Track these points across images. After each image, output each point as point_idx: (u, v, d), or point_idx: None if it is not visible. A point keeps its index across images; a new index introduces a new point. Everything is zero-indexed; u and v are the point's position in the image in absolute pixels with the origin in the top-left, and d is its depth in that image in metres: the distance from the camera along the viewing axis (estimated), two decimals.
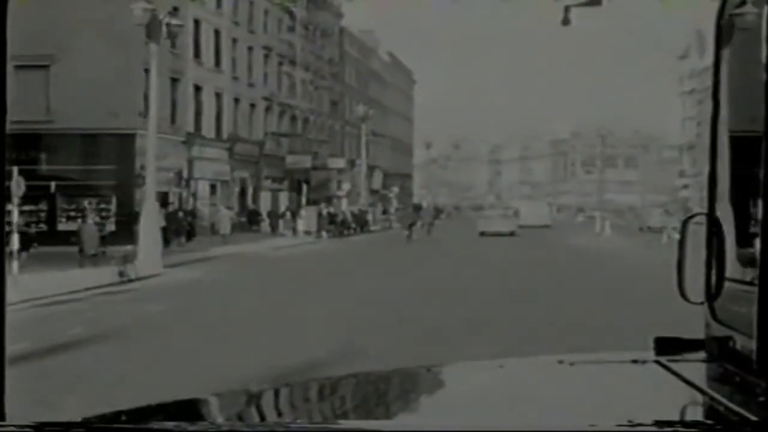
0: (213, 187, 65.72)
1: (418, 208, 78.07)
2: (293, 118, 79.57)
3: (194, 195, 61.87)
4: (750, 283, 3.32)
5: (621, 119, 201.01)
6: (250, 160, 71.60)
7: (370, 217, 75.10)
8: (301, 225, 62.40)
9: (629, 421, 2.71)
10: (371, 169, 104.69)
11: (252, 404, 3.83)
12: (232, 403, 3.88)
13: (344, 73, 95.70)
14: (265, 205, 72.47)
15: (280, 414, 3.77)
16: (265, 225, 68.82)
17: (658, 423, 2.71)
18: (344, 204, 74.78)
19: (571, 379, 3.77)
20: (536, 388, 3.75)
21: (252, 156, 71.69)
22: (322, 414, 3.88)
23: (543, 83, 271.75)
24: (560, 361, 3.88)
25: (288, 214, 64.38)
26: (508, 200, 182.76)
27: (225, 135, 66.92)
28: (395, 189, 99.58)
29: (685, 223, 3.85)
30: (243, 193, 70.99)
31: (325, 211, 64.10)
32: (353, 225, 69.84)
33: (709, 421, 3.05)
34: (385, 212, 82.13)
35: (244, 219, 67.03)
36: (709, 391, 3.39)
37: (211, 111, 65.08)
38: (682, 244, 3.82)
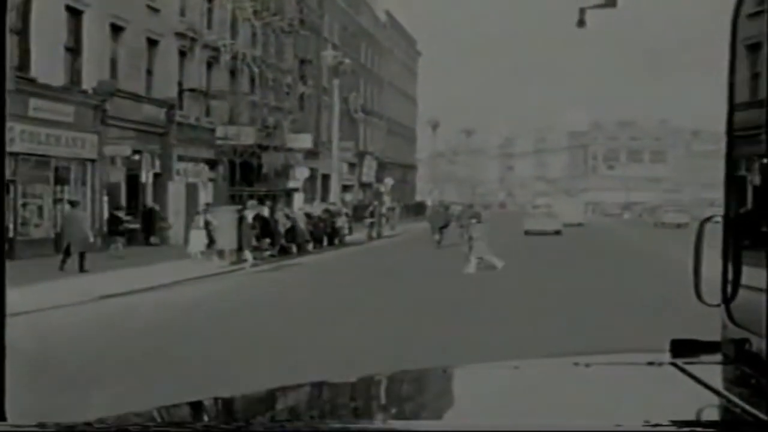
0: (60, 170, 35.34)
1: (446, 207, 59.47)
2: (233, 73, 48.96)
3: (13, 182, 31.60)
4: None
5: (645, 109, 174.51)
6: (149, 130, 41.19)
7: (343, 222, 44.35)
8: (197, 241, 31.93)
9: (645, 423, 2.64)
10: (361, 155, 74.18)
11: (261, 405, 3.66)
12: (241, 404, 3.69)
13: (323, 25, 64.97)
14: (176, 202, 41.99)
15: (291, 415, 3.54)
16: (177, 235, 38.89)
17: (674, 424, 2.65)
18: (298, 202, 44.14)
19: (586, 380, 3.61)
20: (551, 389, 3.55)
21: (152, 123, 41.24)
22: (338, 414, 3.56)
23: (560, 73, 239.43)
24: (575, 363, 3.74)
25: (200, 219, 33.68)
26: (522, 197, 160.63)
27: (88, 84, 36.48)
28: (388, 181, 68.93)
29: (701, 226, 3.73)
30: (132, 182, 40.60)
31: (250, 217, 33.35)
32: (307, 237, 39.16)
33: (725, 424, 2.95)
34: (372, 214, 51.52)
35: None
36: (725, 393, 3.23)
37: (58, 39, 34.63)
38: (698, 246, 3.67)
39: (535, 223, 60.85)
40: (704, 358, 3.65)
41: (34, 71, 32.86)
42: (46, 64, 33.50)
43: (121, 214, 36.64)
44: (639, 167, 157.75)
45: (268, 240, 35.01)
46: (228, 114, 48.25)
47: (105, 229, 37.04)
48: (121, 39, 39.10)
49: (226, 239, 32.62)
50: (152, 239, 39.99)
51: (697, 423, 2.85)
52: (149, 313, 20.43)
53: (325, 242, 42.76)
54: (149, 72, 41.64)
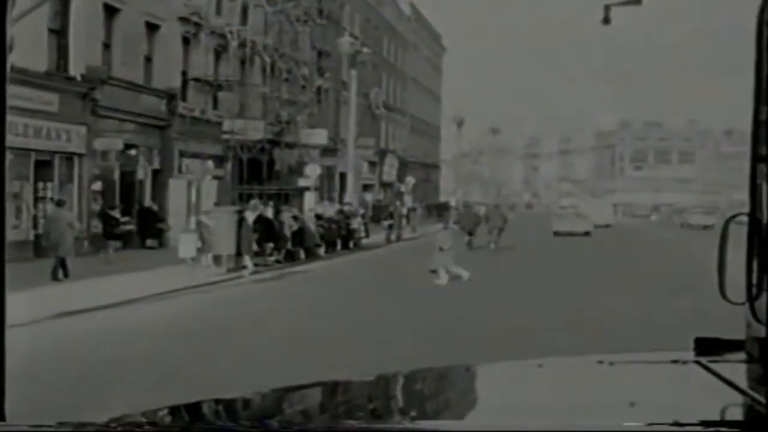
0: (42, 165, 31.47)
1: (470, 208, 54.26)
2: (244, 63, 44.96)
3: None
4: None
5: (674, 109, 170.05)
6: (148, 123, 37.30)
7: (358, 223, 40.27)
8: (187, 245, 27.81)
9: (669, 421, 2.62)
10: (382, 154, 70.05)
11: (277, 405, 3.57)
12: (258, 404, 3.58)
13: (342, 15, 60.86)
14: (177, 201, 38.09)
15: (309, 415, 3.52)
16: (176, 237, 34.83)
17: (699, 423, 2.62)
18: (309, 202, 40.02)
19: (610, 379, 3.55)
20: (575, 388, 3.54)
21: (151, 115, 37.33)
22: (359, 414, 3.53)
23: (587, 72, 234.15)
24: (599, 361, 3.65)
25: (192, 221, 29.66)
26: (547, 198, 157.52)
27: (76, 70, 32.58)
28: (409, 181, 64.71)
29: (726, 224, 3.59)
30: (127, 179, 36.68)
31: (250, 218, 29.30)
32: (318, 241, 35.10)
33: (749, 422, 2.92)
34: (391, 215, 47.47)
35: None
36: (750, 391, 3.13)
37: (40, 19, 30.68)
38: (722, 245, 3.53)
39: (564, 224, 58.90)
40: (728, 356, 3.53)
41: (11, 54, 28.87)
42: (26, 46, 29.51)
43: (116, 214, 32.80)
44: (667, 168, 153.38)
45: (271, 244, 31.02)
46: (237, 107, 44.26)
47: (95, 230, 33.20)
48: (116, 22, 35.17)
49: (224, 243, 28.65)
50: (149, 242, 36.07)
51: (721, 422, 2.78)
52: (98, 340, 16.44)
53: (339, 246, 38.75)
54: (148, 59, 37.69)
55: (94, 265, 28.60)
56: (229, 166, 43.49)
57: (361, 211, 43.16)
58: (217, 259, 28.80)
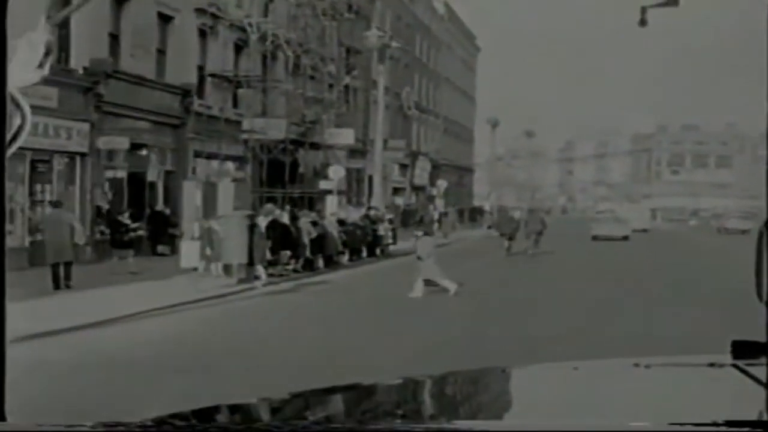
0: (39, 165, 28.63)
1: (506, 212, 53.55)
2: (266, 58, 41.99)
3: None
4: None
5: (711, 112, 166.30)
6: (160, 121, 34.47)
7: (385, 229, 37.17)
8: (190, 254, 24.73)
9: (707, 424, 2.61)
10: (414, 156, 67.01)
11: (303, 408, 3.54)
12: (290, 406, 3.56)
13: (373, 11, 57.85)
14: (192, 205, 35.10)
15: (339, 417, 3.47)
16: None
17: (736, 426, 2.61)
18: (331, 206, 36.94)
19: (647, 381, 3.50)
20: (610, 390, 3.51)
21: (163, 113, 34.50)
22: (399, 415, 3.44)
23: (623, 74, 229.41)
24: (635, 364, 3.61)
25: (196, 227, 26.64)
26: (582, 202, 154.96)
27: (78, 63, 29.77)
28: (441, 184, 61.48)
29: (763, 228, 3.38)
30: (137, 181, 33.85)
31: (263, 224, 26.27)
32: (340, 248, 32.07)
33: None
34: (421, 220, 44.37)
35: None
36: None
37: (36, 6, 27.83)
38: (760, 248, 3.35)
39: (602, 228, 58.40)
40: (765, 359, 3.42)
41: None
42: (20, 35, 26.70)
43: (126, 219, 29.94)
44: (704, 172, 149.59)
45: (288, 252, 28.03)
46: (259, 105, 41.35)
47: (100, 237, 30.40)
48: (125, 11, 32.32)
49: (234, 251, 25.69)
50: (160, 248, 33.19)
51: (758, 424, 2.73)
52: (55, 371, 13.47)
53: (365, 253, 35.73)
54: (161, 52, 34.81)
55: (96, 275, 25.76)
56: (249, 167, 40.56)
57: (389, 215, 40.04)
58: (227, 269, 25.87)
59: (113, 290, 23.00)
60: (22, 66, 2.68)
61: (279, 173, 41.43)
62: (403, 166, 66.67)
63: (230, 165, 39.96)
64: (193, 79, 36.48)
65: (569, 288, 26.83)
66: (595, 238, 55.89)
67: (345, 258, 33.45)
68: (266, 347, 15.98)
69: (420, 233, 26.12)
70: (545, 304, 23.08)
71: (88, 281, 23.87)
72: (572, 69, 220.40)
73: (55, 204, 26.94)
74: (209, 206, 34.37)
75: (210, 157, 37.75)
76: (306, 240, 29.00)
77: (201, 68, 37.58)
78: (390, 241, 38.07)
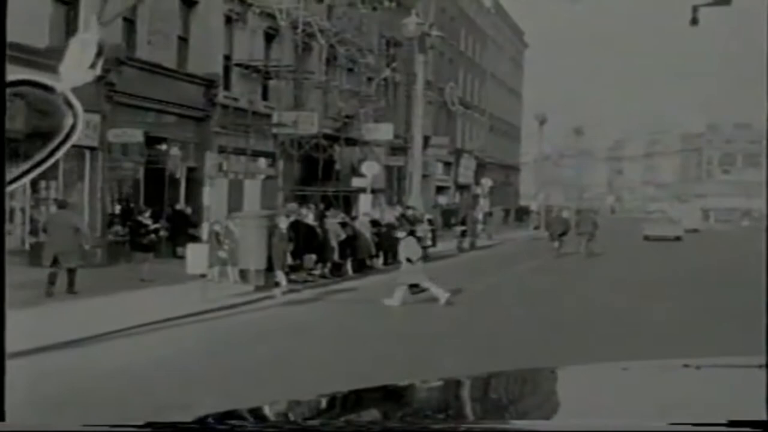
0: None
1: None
2: (299, 48, 39.09)
3: None
4: None
5: (764, 110, 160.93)
6: (181, 113, 31.73)
7: (424, 230, 34.07)
8: (194, 259, 21.65)
9: (711, 424, 2.61)
10: (458, 153, 63.92)
11: (355, 406, 3.51)
12: (340, 404, 3.48)
13: (415, 2, 54.75)
14: (217, 204, 32.29)
15: (389, 416, 3.37)
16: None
17: (737, 424, 2.57)
18: (365, 205, 33.85)
19: (697, 382, 3.46)
20: (661, 390, 3.34)
21: (185, 105, 31.74)
22: (446, 414, 3.44)
23: (674, 72, 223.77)
24: (685, 365, 3.55)
25: (205, 227, 23.77)
26: (630, 202, 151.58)
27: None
28: (485, 182, 58.22)
29: None
30: (154, 178, 31.09)
31: (283, 225, 23.22)
32: (373, 251, 29.04)
33: None
34: (463, 220, 41.37)
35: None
36: None
37: None
38: None
39: (654, 228, 57.22)
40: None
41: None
42: (23, 17, 24.02)
43: (146, 220, 27.24)
44: (756, 172, 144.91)
45: (313, 256, 25.10)
46: (291, 98, 38.48)
47: (114, 237, 27.76)
48: None
49: (251, 255, 22.83)
50: (180, 250, 30.35)
51: (759, 424, 2.64)
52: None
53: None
54: (183, 39, 32.03)
55: (105, 280, 23.03)
56: (280, 164, 37.71)
57: (429, 215, 36.99)
58: (243, 275, 23.00)
59: (111, 299, 20.27)
60: (74, 66, 2.47)
61: (312, 170, 38.54)
62: (447, 164, 63.61)
63: (262, 161, 37.20)
64: (218, 68, 33.68)
65: (629, 298, 23.62)
66: (646, 238, 54.49)
67: (379, 261, 30.53)
68: (267, 376, 13.01)
69: (403, 234, 23.04)
70: (604, 321, 19.91)
71: (93, 288, 21.17)
72: (622, 67, 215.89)
73: (61, 203, 24.36)
74: (235, 205, 31.68)
75: (237, 152, 34.91)
76: (334, 242, 26.05)
77: (227, 57, 34.74)
78: (429, 243, 35.01)
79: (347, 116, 42.26)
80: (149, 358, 14.61)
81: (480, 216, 46.98)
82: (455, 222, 43.57)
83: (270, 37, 37.16)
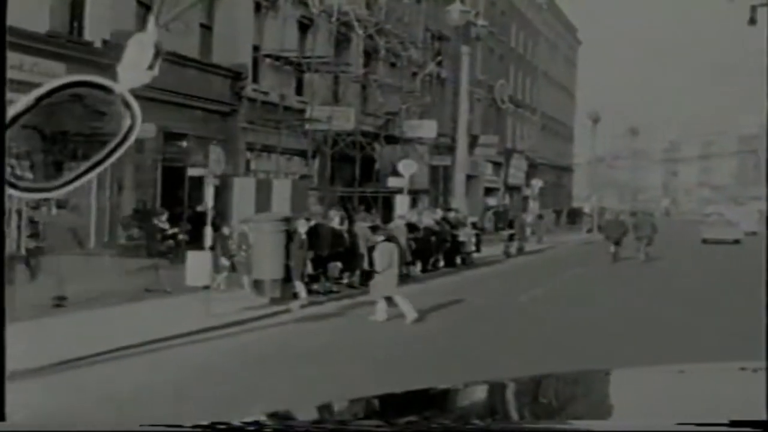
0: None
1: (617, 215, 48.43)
2: (338, 40, 36.30)
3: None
4: None
5: None
6: (204, 107, 29.03)
7: (467, 234, 31.08)
8: (194, 269, 18.73)
9: (713, 424, 2.63)
10: (508, 153, 60.91)
11: (406, 407, 3.54)
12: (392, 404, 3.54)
13: None
14: (244, 205, 29.57)
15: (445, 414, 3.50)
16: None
17: (739, 424, 2.63)
18: (402, 207, 30.76)
19: (754, 385, 3.27)
20: (716, 393, 3.42)
21: (209, 98, 29.04)
22: (501, 415, 3.55)
23: (731, 73, 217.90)
24: (742, 368, 3.61)
25: (209, 233, 20.78)
26: (686, 204, 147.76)
27: (95, 35, 24.43)
28: (535, 183, 54.99)
29: None
30: (173, 177, 28.40)
31: (303, 229, 20.31)
32: (409, 258, 26.01)
33: None
34: (510, 224, 38.30)
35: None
36: None
37: None
38: None
39: (713, 231, 55.21)
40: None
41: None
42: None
43: (164, 223, 24.69)
44: None
45: (338, 264, 22.25)
46: (329, 92, 35.71)
47: (126, 242, 25.17)
48: None
49: (266, 264, 20.00)
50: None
51: (760, 424, 2.74)
52: None
53: (442, 263, 29.88)
54: (206, 27, 29.36)
55: (107, 288, 20.36)
56: (316, 163, 34.94)
57: (473, 218, 34.00)
58: (258, 286, 20.20)
59: (106, 312, 17.62)
60: (132, 67, 2.86)
61: (350, 170, 35.73)
62: (497, 165, 60.53)
63: (295, 160, 34.47)
64: (246, 59, 30.97)
65: (701, 313, 20.49)
66: (704, 241, 52.81)
67: (417, 269, 27.64)
68: None
69: (380, 238, 20.03)
70: (679, 347, 16.80)
71: (90, 300, 18.54)
72: (677, 67, 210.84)
73: (60, 203, 21.84)
74: (262, 207, 29.06)
75: (266, 150, 32.19)
76: (363, 249, 23.16)
77: (257, 48, 32.03)
78: (473, 248, 32.06)
79: (388, 113, 39.39)
80: (127, 386, 11.94)
81: (529, 219, 43.91)
82: (502, 225, 40.52)
83: (304, 27, 34.41)
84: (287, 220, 20.72)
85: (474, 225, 32.81)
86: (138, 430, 2.83)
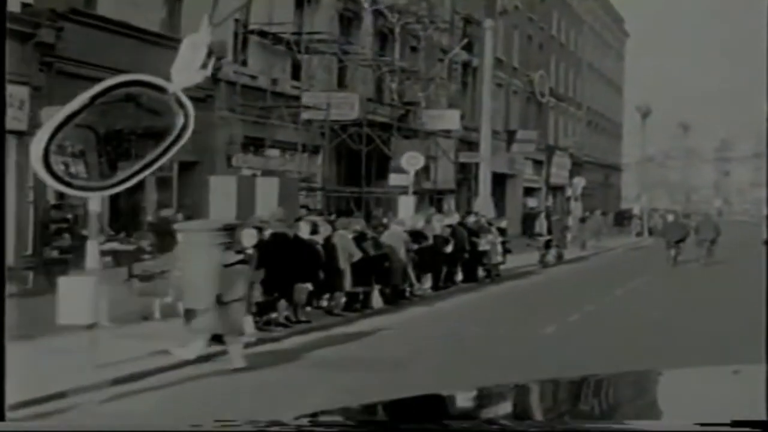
0: None
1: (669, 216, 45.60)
2: (343, 18, 30.72)
3: None
4: None
5: None
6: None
7: (490, 242, 25.19)
8: (67, 300, 13.16)
9: (714, 424, 2.63)
10: (549, 151, 55.07)
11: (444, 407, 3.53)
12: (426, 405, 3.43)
13: None
14: (223, 206, 24.00)
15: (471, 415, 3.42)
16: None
17: (740, 425, 2.63)
18: (406, 209, 24.96)
19: None
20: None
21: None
22: (548, 415, 3.52)
23: None
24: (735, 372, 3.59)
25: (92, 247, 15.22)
26: (739, 205, 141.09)
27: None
28: (577, 182, 48.81)
29: None
30: None
31: (250, 242, 14.71)
32: (411, 275, 20.29)
33: None
34: (549, 228, 32.40)
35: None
36: None
37: None
38: None
39: None
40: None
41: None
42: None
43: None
44: None
45: (307, 286, 16.60)
46: (333, 78, 30.18)
47: (57, 255, 19.82)
48: None
49: (199, 288, 14.36)
50: None
51: (760, 424, 2.72)
52: None
53: (460, 276, 24.22)
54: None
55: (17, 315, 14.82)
56: (321, 159, 29.43)
57: (502, 222, 28.15)
58: (189, 317, 14.60)
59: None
60: (185, 66, 4.07)
61: (354, 166, 30.12)
62: (538, 163, 54.60)
63: (299, 156, 28.96)
64: (226, 36, 25.49)
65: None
66: (767, 243, 46.53)
67: (426, 285, 22.02)
68: None
69: (233, 258, 14.20)
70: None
71: None
72: (729, 62, 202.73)
73: None
74: (245, 209, 23.77)
75: (253, 143, 26.70)
76: (344, 264, 17.51)
77: (240, 22, 26.56)
78: (499, 258, 26.26)
79: (407, 103, 33.76)
80: None
81: (570, 222, 38.07)
82: (539, 230, 34.64)
83: (300, 0, 28.86)
84: (231, 229, 15.10)
85: (501, 231, 26.98)
86: (138, 430, 2.81)
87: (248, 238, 14.95)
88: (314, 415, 3.01)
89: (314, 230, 17.27)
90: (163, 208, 24.31)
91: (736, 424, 2.63)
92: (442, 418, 3.24)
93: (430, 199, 34.71)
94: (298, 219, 19.58)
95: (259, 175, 26.01)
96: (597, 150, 69.21)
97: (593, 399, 3.67)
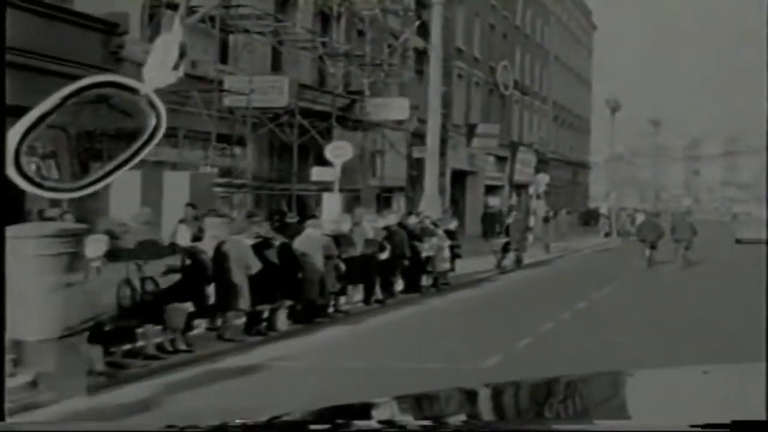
0: None
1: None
2: None
3: None
4: None
5: None
6: (58, 71, 19.74)
7: (433, 247, 21.65)
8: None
9: (714, 425, 2.58)
10: (513, 147, 51.78)
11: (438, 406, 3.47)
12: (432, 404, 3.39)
13: None
14: (122, 208, 20.40)
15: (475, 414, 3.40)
16: None
17: (742, 425, 2.57)
18: (330, 210, 21.35)
19: None
20: (741, 394, 3.34)
21: (69, 60, 19.79)
22: (530, 416, 3.42)
23: (756, 67, 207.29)
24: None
25: None
26: (708, 203, 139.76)
27: None
28: (540, 179, 45.29)
29: None
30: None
31: (96, 252, 11.26)
32: (333, 287, 16.78)
33: None
34: (506, 229, 29.03)
35: None
36: None
37: None
38: None
39: (748, 231, 51.99)
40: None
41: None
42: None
43: None
44: None
45: (186, 306, 13.06)
46: (267, 61, 26.69)
47: None
48: None
49: (29, 313, 10.82)
50: None
51: (761, 424, 2.65)
52: None
53: (401, 286, 20.78)
54: None
55: None
56: (248, 152, 25.88)
57: (451, 224, 24.69)
58: (18, 351, 11.03)
59: None
60: (158, 67, 2.91)
61: (285, 160, 26.60)
62: (501, 159, 51.25)
63: (240, 151, 25.47)
64: (127, 7, 21.89)
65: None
66: (738, 241, 50.83)
67: (355, 298, 18.57)
68: None
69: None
70: None
71: None
72: (699, 59, 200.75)
73: None
74: (151, 209, 19.90)
75: (167, 133, 23.08)
76: (239, 278, 13.98)
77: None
78: (446, 265, 22.80)
79: (350, 91, 30.29)
80: None
81: (532, 222, 34.71)
82: (499, 231, 31.27)
83: None
84: (74, 235, 11.58)
85: (450, 234, 23.50)
86: (138, 430, 2.83)
87: (94, 246, 11.42)
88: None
89: (198, 236, 13.77)
90: (54, 207, 20.69)
91: (736, 424, 2.51)
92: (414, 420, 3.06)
93: (377, 197, 31.26)
94: (196, 218, 16.14)
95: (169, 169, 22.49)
96: (564, 146, 66.11)
97: (568, 400, 3.51)
